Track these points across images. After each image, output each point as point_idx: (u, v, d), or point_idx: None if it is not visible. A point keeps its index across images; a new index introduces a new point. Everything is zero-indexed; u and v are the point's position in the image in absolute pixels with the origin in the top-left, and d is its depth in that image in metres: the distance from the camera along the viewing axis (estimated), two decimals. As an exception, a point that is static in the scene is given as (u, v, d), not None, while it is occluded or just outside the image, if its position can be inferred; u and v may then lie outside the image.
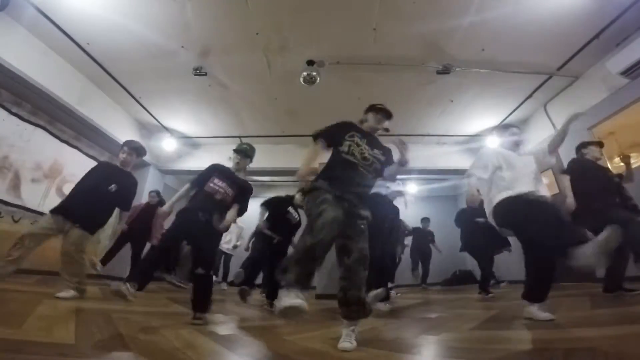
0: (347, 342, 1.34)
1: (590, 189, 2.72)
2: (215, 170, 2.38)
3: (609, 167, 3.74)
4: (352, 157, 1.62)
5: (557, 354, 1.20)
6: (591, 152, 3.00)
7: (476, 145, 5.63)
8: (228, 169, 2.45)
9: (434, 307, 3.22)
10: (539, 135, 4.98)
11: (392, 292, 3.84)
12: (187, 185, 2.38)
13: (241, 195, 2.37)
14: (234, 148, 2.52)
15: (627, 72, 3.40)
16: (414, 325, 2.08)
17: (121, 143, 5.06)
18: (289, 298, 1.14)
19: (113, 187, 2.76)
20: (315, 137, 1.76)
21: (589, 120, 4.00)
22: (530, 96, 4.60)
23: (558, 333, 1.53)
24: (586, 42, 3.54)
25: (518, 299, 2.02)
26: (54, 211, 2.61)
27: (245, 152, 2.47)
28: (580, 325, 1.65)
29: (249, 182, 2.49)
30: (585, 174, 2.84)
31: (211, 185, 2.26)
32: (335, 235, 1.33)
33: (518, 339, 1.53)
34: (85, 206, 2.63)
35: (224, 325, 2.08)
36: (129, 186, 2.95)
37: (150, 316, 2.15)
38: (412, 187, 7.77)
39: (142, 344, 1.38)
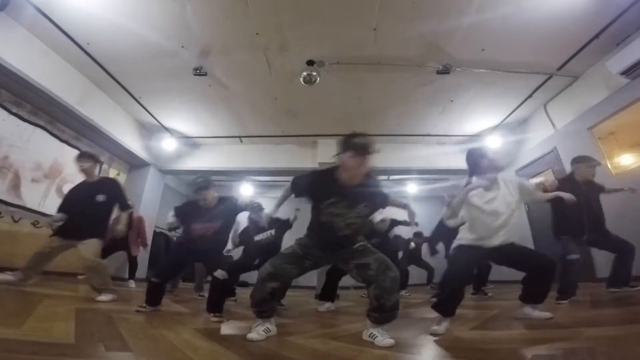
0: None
1: None
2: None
3: (609, 167, 3.74)
4: None
5: (557, 354, 1.21)
6: (580, 172, 2.85)
7: (476, 145, 5.63)
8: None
9: (434, 307, 3.21)
10: (539, 135, 4.97)
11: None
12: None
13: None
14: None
15: (627, 72, 3.39)
16: (414, 325, 2.08)
17: (121, 143, 5.14)
18: None
19: (101, 197, 2.87)
20: None
21: (589, 120, 4.00)
22: (530, 96, 4.59)
23: (558, 333, 1.54)
24: (586, 42, 3.53)
25: (518, 299, 2.02)
26: (55, 234, 2.78)
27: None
28: (580, 325, 1.65)
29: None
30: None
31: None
32: None
33: (518, 339, 1.53)
34: (80, 222, 2.77)
35: (225, 325, 2.07)
36: (114, 189, 3.04)
37: (150, 316, 2.15)
38: (412, 187, 7.77)
39: (142, 344, 1.38)
